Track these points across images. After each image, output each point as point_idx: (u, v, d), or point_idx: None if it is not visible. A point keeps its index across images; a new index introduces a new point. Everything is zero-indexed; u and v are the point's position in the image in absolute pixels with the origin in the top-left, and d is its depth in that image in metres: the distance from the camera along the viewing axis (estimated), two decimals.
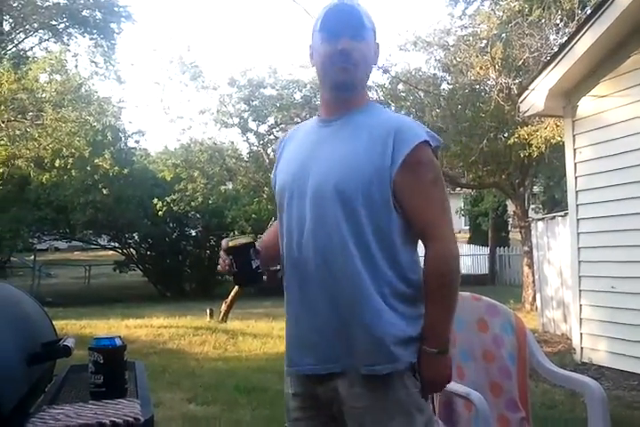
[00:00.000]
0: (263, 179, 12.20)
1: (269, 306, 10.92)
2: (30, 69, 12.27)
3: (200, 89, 12.81)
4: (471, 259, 19.82)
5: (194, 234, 17.73)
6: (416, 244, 1.64)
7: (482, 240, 20.14)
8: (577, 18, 8.10)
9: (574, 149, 5.94)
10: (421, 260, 1.62)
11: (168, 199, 13.43)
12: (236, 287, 9.39)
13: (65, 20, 16.91)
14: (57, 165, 12.68)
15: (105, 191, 14.62)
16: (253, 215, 14.77)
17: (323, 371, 1.59)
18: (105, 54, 17.42)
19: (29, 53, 17.41)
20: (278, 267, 1.76)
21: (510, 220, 19.13)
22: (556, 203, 16.29)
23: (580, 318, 5.90)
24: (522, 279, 11.65)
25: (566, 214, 6.60)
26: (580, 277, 5.91)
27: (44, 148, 12.06)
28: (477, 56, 9.09)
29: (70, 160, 12.70)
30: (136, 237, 17.66)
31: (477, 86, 9.91)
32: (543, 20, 8.73)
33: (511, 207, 13.63)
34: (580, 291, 5.91)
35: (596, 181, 5.68)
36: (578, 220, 5.92)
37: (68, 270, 20.55)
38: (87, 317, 10.04)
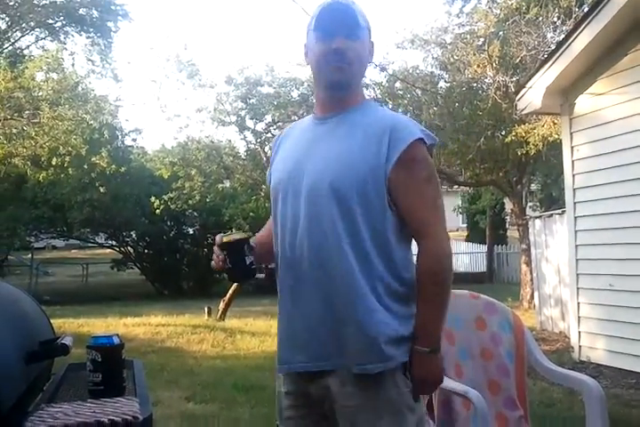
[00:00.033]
0: (261, 177, 12.18)
1: (267, 304, 10.92)
2: (27, 68, 12.24)
3: (197, 87, 12.79)
4: (469, 257, 19.85)
5: (191, 232, 17.74)
6: (410, 242, 1.64)
7: (479, 238, 20.15)
8: (574, 16, 8.10)
9: (572, 147, 5.94)
10: (414, 258, 1.62)
11: (165, 197, 13.42)
12: (234, 286, 9.40)
13: (61, 18, 16.84)
14: (54, 163, 12.66)
15: (102, 189, 14.61)
16: (251, 213, 14.77)
17: (314, 368, 1.59)
18: (102, 53, 17.35)
19: (26, 52, 17.36)
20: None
21: (508, 218, 19.12)
22: (553, 201, 16.29)
23: (578, 316, 5.91)
24: (520, 277, 11.66)
25: (564, 212, 6.60)
26: (577, 274, 5.91)
27: (40, 146, 12.04)
28: (475, 54, 9.09)
29: (67, 158, 12.68)
30: (133, 235, 17.65)
31: (475, 84, 9.91)
32: (540, 18, 8.74)
33: (509, 205, 13.64)
34: (577, 289, 5.92)
35: (593, 179, 5.69)
36: (575, 217, 5.93)
37: (65, 269, 20.53)
38: (85, 315, 10.04)
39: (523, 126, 8.37)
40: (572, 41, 5.48)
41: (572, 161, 5.94)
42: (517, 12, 8.98)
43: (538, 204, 19.46)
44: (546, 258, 8.08)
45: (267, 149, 12.48)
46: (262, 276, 14.13)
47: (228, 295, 9.51)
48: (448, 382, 2.39)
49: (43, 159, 12.72)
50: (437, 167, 9.21)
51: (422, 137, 1.60)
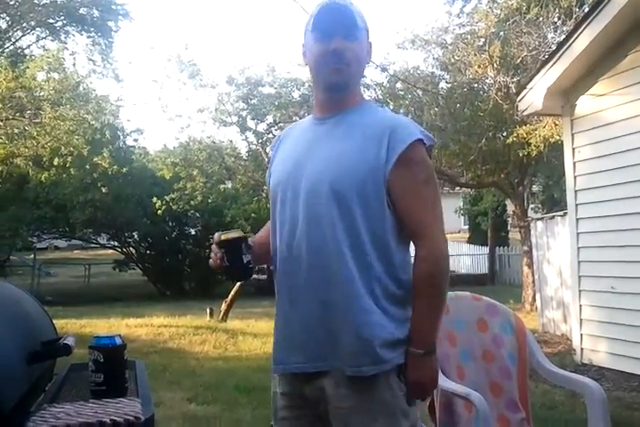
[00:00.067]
0: (262, 178, 12.18)
1: (269, 305, 10.90)
2: (28, 68, 12.25)
3: (198, 87, 12.80)
4: (471, 259, 19.82)
5: (193, 233, 17.75)
6: (409, 244, 1.64)
7: (481, 240, 20.13)
8: (575, 16, 8.10)
9: (573, 148, 5.94)
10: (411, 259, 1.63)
11: (167, 198, 13.42)
12: (236, 287, 9.41)
13: (62, 18, 16.84)
14: (55, 163, 12.67)
15: (104, 190, 14.62)
16: (253, 214, 14.77)
17: (311, 369, 1.59)
18: (103, 52, 17.36)
19: (27, 51, 17.37)
20: None
21: (510, 219, 19.12)
22: (555, 202, 16.29)
23: (580, 319, 5.89)
24: (521, 279, 11.65)
25: (566, 214, 6.59)
26: (579, 277, 5.90)
27: (42, 146, 12.05)
28: (475, 54, 9.08)
29: (69, 159, 12.69)
30: (135, 235, 17.67)
31: (476, 85, 9.90)
32: (541, 18, 8.73)
33: (510, 207, 13.62)
34: (579, 291, 5.90)
35: (595, 181, 5.68)
36: (577, 219, 5.92)
37: (67, 269, 20.54)
38: (87, 316, 10.05)
39: (524, 127, 8.36)
40: (573, 41, 5.48)
41: (574, 162, 5.93)
42: (518, 13, 8.97)
43: (539, 205, 19.46)
44: (548, 260, 8.07)
45: (268, 149, 12.48)
46: (264, 277, 14.16)
47: (229, 296, 9.51)
48: (450, 385, 2.40)
49: (44, 159, 12.72)
50: (439, 169, 9.19)
51: (422, 138, 1.60)
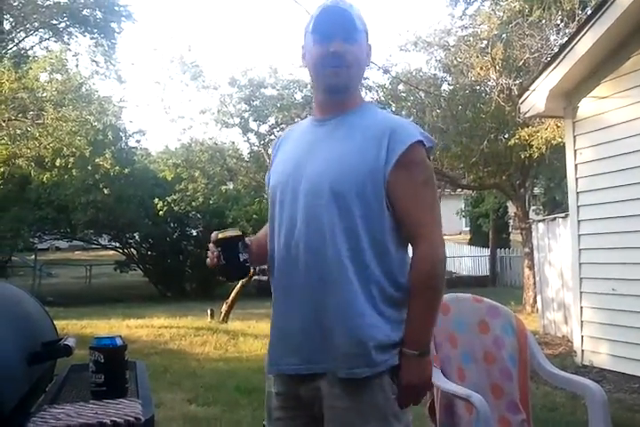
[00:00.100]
0: (264, 179, 12.11)
1: (270, 307, 10.86)
2: (31, 68, 12.26)
3: (201, 89, 12.80)
4: (472, 260, 19.80)
5: (195, 234, 17.73)
6: (407, 245, 1.64)
7: (482, 242, 20.11)
8: (577, 18, 8.09)
9: (575, 151, 5.93)
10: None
11: (169, 199, 13.42)
12: (237, 287, 9.40)
13: (65, 19, 16.90)
14: (57, 164, 12.67)
15: (106, 191, 14.62)
16: (254, 215, 14.77)
17: (306, 371, 1.59)
18: (105, 54, 17.42)
19: (30, 52, 17.42)
20: None
21: (511, 221, 19.11)
22: (556, 204, 16.28)
23: (581, 321, 5.89)
24: (522, 281, 11.64)
25: (567, 216, 6.59)
26: (580, 278, 5.90)
27: (44, 147, 12.05)
28: (478, 56, 9.09)
29: (71, 159, 12.69)
30: (137, 236, 17.66)
31: (478, 87, 9.90)
32: (544, 21, 8.72)
33: (512, 209, 13.63)
34: (580, 293, 5.90)
35: (596, 183, 5.67)
36: (579, 221, 5.91)
37: (68, 270, 20.54)
38: (88, 316, 10.05)
39: (526, 129, 8.36)
40: (576, 44, 5.48)
41: (576, 164, 5.93)
42: (520, 15, 8.97)
43: (541, 207, 19.46)
44: (549, 262, 8.06)
45: (270, 151, 12.45)
46: (265, 278, 14.15)
47: (230, 297, 9.51)
48: (450, 386, 2.39)
49: (47, 160, 12.73)
50: (440, 170, 9.20)
51: (421, 139, 1.61)
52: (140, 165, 17.35)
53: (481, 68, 8.94)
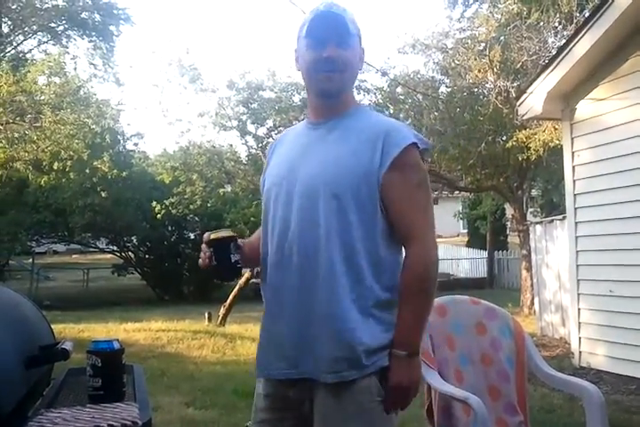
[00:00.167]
0: None
1: None
2: (29, 72, 12.26)
3: (199, 92, 12.79)
4: (469, 262, 19.81)
5: (192, 237, 17.71)
6: (400, 248, 1.64)
7: (480, 244, 20.11)
8: (575, 21, 8.10)
9: (572, 152, 5.94)
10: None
11: (167, 202, 13.41)
12: (235, 291, 9.40)
13: (64, 22, 16.90)
14: (55, 167, 12.66)
15: (103, 194, 14.61)
16: (252, 218, 14.74)
17: (296, 376, 1.59)
18: (104, 57, 17.42)
19: (28, 56, 17.42)
20: None
21: (508, 223, 19.11)
22: (554, 206, 16.27)
23: (579, 322, 5.89)
24: (520, 283, 11.64)
25: (565, 218, 6.59)
26: (578, 280, 5.90)
27: (42, 150, 12.05)
28: (476, 59, 9.10)
29: (69, 163, 12.69)
30: (134, 240, 17.64)
31: (476, 89, 9.92)
32: (542, 23, 8.74)
33: (509, 211, 13.62)
34: (578, 295, 5.90)
35: (594, 185, 5.68)
36: (576, 223, 5.92)
37: (66, 274, 20.51)
38: (85, 320, 10.03)
39: (523, 132, 8.37)
40: (574, 46, 5.49)
41: (573, 166, 5.94)
42: (518, 17, 8.98)
43: (538, 209, 19.44)
44: (546, 264, 8.07)
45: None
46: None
47: (228, 301, 9.50)
48: (448, 388, 2.39)
49: (44, 164, 12.73)
50: (438, 173, 9.18)
51: (416, 141, 1.61)
52: (137, 169, 17.34)
53: (479, 71, 8.95)
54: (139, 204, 15.81)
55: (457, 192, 14.39)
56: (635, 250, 5.19)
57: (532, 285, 9.52)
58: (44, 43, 17.83)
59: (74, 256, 25.39)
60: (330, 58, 1.62)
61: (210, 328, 9.07)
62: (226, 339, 7.97)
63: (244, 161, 13.67)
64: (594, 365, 5.64)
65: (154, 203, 13.70)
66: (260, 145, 12.89)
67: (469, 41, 9.94)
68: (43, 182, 13.51)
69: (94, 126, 13.01)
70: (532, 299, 9.37)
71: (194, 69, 12.69)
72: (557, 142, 7.60)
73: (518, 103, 6.60)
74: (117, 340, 1.58)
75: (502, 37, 9.10)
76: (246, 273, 9.07)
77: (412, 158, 1.61)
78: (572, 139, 5.94)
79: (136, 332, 8.62)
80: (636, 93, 5.17)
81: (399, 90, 10.71)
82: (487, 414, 2.25)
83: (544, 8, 8.69)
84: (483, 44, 9.36)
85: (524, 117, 6.68)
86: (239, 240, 1.70)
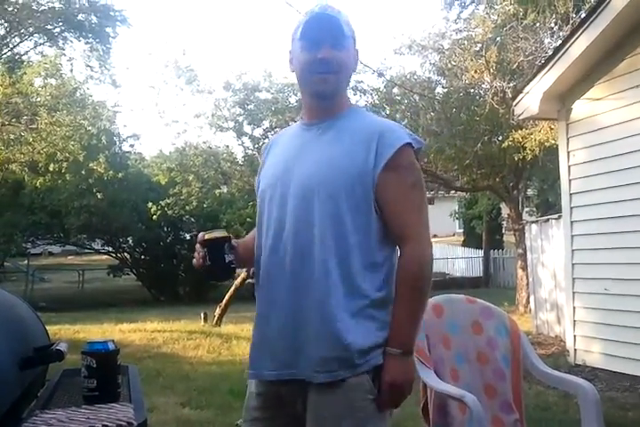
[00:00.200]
0: None
1: None
2: (25, 73, 12.26)
3: (195, 93, 12.80)
4: (465, 262, 19.85)
5: (188, 238, 17.71)
6: (394, 248, 1.64)
7: (476, 243, 20.16)
8: (571, 21, 8.11)
9: (568, 152, 5.96)
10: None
11: (162, 203, 13.41)
12: (231, 291, 9.39)
13: (60, 24, 16.86)
14: (51, 169, 12.66)
15: (99, 195, 14.61)
16: (248, 219, 14.74)
17: (287, 376, 1.59)
18: (100, 58, 17.37)
19: (24, 57, 17.39)
20: None
21: (504, 222, 19.17)
22: (549, 206, 16.31)
23: (574, 320, 5.91)
24: (516, 282, 11.67)
25: (560, 217, 6.61)
26: (573, 279, 5.92)
27: (38, 152, 12.05)
28: (472, 60, 9.10)
29: (64, 164, 12.69)
30: (130, 241, 17.63)
31: (472, 90, 9.93)
32: (538, 24, 8.75)
33: (505, 210, 13.67)
34: (573, 293, 5.92)
35: (590, 184, 5.70)
36: (572, 222, 5.94)
37: (61, 275, 20.47)
38: (81, 321, 10.01)
39: (519, 132, 8.38)
40: (570, 46, 5.50)
41: (569, 166, 5.96)
42: (515, 18, 8.99)
43: (534, 209, 19.49)
44: (542, 263, 8.08)
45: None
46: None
47: (224, 301, 9.49)
48: (444, 386, 2.40)
49: (40, 165, 12.72)
50: (434, 172, 9.17)
51: (410, 141, 1.62)
52: (133, 170, 17.34)
53: (475, 71, 8.96)
54: (134, 205, 15.80)
55: (453, 192, 14.43)
56: (630, 248, 5.21)
57: (527, 283, 9.54)
58: (41, 44, 17.80)
59: (69, 257, 25.35)
60: (324, 59, 1.62)
61: (205, 328, 9.07)
62: (221, 339, 7.97)
63: (240, 162, 13.66)
64: (589, 362, 5.65)
65: (150, 204, 13.69)
66: (256, 146, 12.89)
67: (466, 42, 9.95)
68: (38, 184, 13.50)
69: (90, 128, 13.00)
70: (528, 297, 9.39)
71: (190, 71, 12.70)
72: (553, 142, 7.62)
73: (514, 103, 6.61)
74: (112, 341, 1.58)
75: (499, 38, 9.12)
76: (242, 273, 9.07)
77: (406, 159, 1.61)
78: (568, 139, 5.96)
79: (131, 333, 8.61)
80: (631, 93, 5.19)
81: (396, 91, 10.73)
82: (483, 413, 2.25)
83: (540, 9, 8.70)
84: (479, 45, 9.37)
85: (520, 117, 6.69)
86: (233, 240, 1.70)
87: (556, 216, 7.50)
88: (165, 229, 17.32)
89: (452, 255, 20.10)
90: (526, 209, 16.12)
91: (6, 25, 16.14)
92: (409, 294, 1.57)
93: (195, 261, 1.70)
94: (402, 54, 10.81)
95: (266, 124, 12.82)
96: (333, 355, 1.53)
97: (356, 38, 1.71)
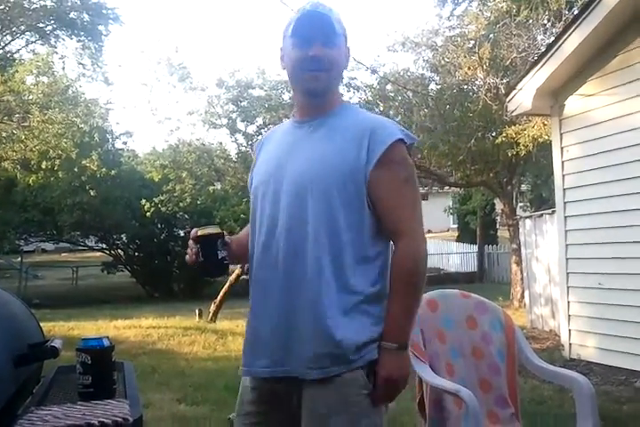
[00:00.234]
0: None
1: None
2: (17, 71, 12.21)
3: (188, 90, 12.76)
4: (460, 257, 19.91)
5: (182, 234, 17.70)
6: (388, 244, 1.64)
7: (470, 238, 20.23)
8: (564, 18, 8.13)
9: (561, 148, 5.98)
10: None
11: (156, 200, 13.38)
12: (225, 287, 9.39)
13: (52, 22, 16.76)
14: (44, 166, 12.62)
15: (92, 193, 14.58)
16: (242, 215, 14.75)
17: (280, 374, 1.60)
18: (92, 56, 17.28)
19: (16, 55, 17.28)
20: None
21: (498, 218, 19.20)
22: (543, 201, 16.36)
23: (569, 315, 5.94)
24: (510, 277, 11.71)
25: (554, 212, 6.63)
26: (567, 273, 5.94)
27: (30, 149, 12.01)
28: (465, 56, 9.11)
29: (57, 162, 12.66)
30: (124, 238, 17.62)
31: (465, 86, 9.94)
32: (531, 21, 8.76)
33: (499, 206, 13.69)
34: (567, 288, 5.95)
35: (583, 179, 5.72)
36: (565, 217, 5.96)
37: (55, 272, 20.43)
38: (75, 318, 10.00)
39: (513, 128, 8.40)
40: (563, 43, 5.51)
41: (562, 162, 5.97)
42: (508, 15, 9.00)
43: (528, 204, 19.55)
44: (536, 257, 8.11)
45: None
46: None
47: (219, 297, 9.50)
48: (439, 381, 2.40)
49: (33, 163, 12.69)
50: (428, 168, 9.17)
51: (402, 137, 1.62)
52: (126, 167, 17.31)
53: (468, 68, 8.96)
54: (128, 202, 15.78)
55: (447, 188, 14.44)
56: (623, 243, 5.23)
57: (521, 278, 9.57)
58: (33, 42, 17.68)
59: (63, 254, 25.27)
60: (316, 57, 1.62)
61: (200, 325, 9.07)
62: (217, 335, 7.97)
63: (233, 159, 13.63)
64: (584, 356, 5.68)
65: (143, 201, 13.67)
66: (249, 143, 12.87)
67: (459, 39, 9.95)
68: (31, 181, 13.47)
69: (83, 125, 12.97)
70: (522, 292, 9.42)
71: (183, 68, 12.66)
72: (546, 138, 7.64)
73: (508, 99, 6.62)
74: (107, 337, 1.57)
75: (492, 35, 9.12)
76: (237, 270, 9.07)
77: (398, 155, 1.61)
78: (561, 134, 5.98)
79: (126, 329, 8.60)
80: (624, 90, 5.20)
81: (389, 87, 10.72)
82: (478, 407, 2.25)
83: (533, 6, 8.71)
84: (472, 42, 9.37)
85: (514, 113, 6.70)
86: (226, 237, 1.70)
87: (549, 211, 7.53)
88: (159, 225, 17.30)
89: (446, 251, 20.15)
90: (520, 204, 16.14)
91: None
92: (404, 290, 1.57)
93: (188, 257, 1.70)
94: (395, 51, 10.83)
95: (259, 121, 12.80)
96: (325, 351, 1.53)
97: (347, 36, 1.71)
